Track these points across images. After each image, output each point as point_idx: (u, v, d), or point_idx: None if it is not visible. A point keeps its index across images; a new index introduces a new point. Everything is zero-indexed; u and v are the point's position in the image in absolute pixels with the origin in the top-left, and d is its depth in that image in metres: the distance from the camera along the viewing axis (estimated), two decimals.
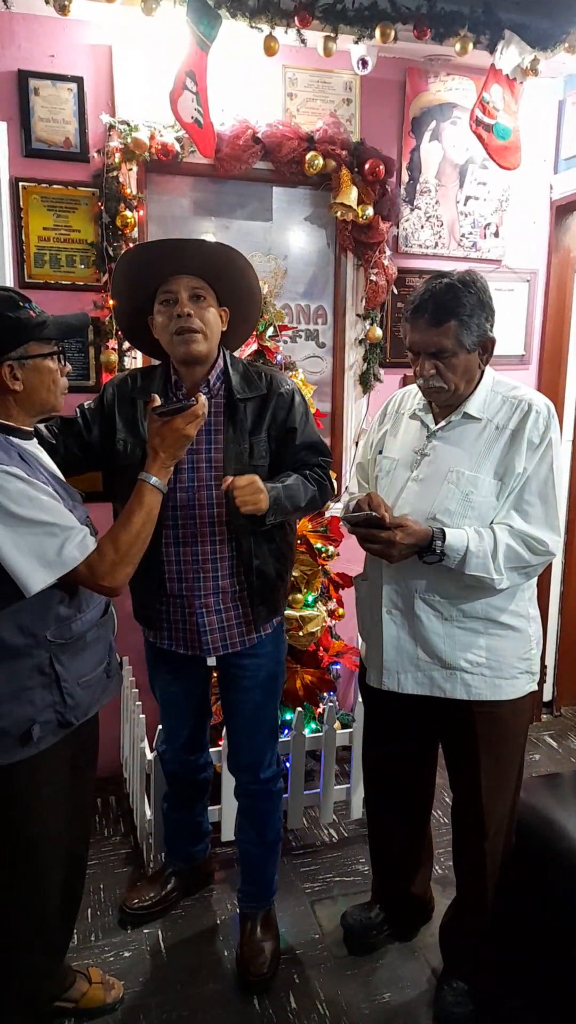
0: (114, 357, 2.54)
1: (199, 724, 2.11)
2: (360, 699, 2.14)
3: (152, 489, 1.49)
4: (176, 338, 1.69)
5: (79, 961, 1.96)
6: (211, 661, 1.88)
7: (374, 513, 1.60)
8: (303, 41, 2.47)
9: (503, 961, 1.91)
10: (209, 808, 2.30)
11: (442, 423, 1.73)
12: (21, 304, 1.41)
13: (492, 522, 1.65)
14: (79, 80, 2.44)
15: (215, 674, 2.01)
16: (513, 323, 3.12)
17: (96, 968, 1.92)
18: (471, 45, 2.57)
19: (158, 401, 1.54)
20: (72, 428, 1.81)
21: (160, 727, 2.14)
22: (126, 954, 2.05)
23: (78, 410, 1.85)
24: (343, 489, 2.87)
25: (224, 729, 2.13)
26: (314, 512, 1.78)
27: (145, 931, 2.12)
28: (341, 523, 1.84)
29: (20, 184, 2.42)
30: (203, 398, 1.53)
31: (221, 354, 1.80)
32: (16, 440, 1.44)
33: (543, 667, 1.79)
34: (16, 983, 1.56)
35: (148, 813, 2.36)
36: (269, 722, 1.98)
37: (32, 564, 1.33)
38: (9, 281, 2.45)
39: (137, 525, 1.46)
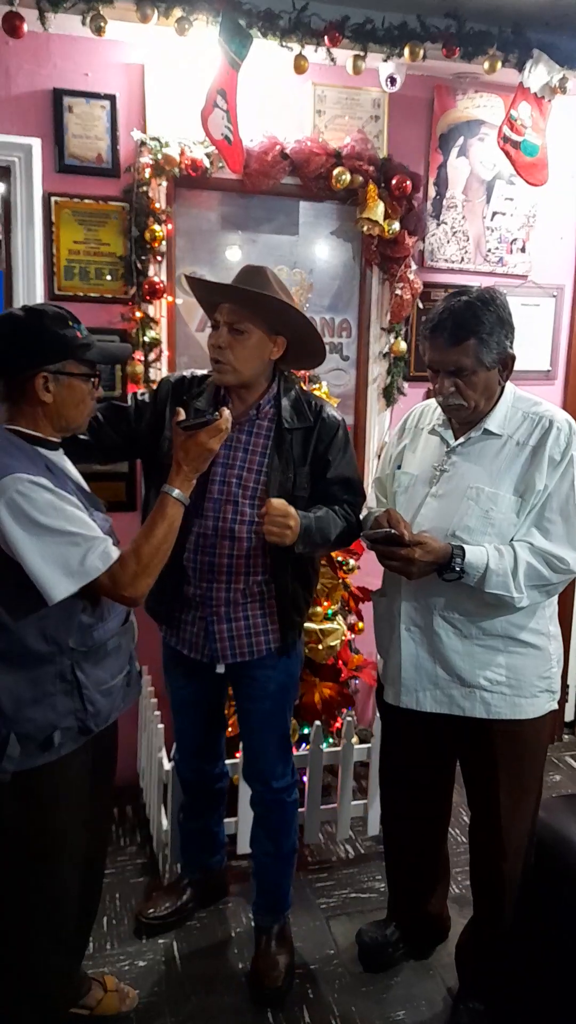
0: (140, 368, 2.57)
1: (212, 733, 2.12)
2: (378, 715, 2.13)
3: (175, 502, 1.51)
4: (212, 363, 1.76)
5: (94, 969, 1.97)
6: (220, 669, 1.88)
7: (393, 530, 1.60)
8: (332, 59, 2.50)
9: (520, 982, 1.88)
10: (225, 820, 2.31)
11: (462, 439, 1.72)
12: (70, 324, 1.46)
13: (512, 539, 1.64)
14: (112, 98, 2.49)
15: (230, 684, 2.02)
16: (539, 338, 3.11)
17: (111, 976, 1.93)
18: (500, 64, 2.59)
19: (182, 415, 1.57)
20: (121, 415, 1.84)
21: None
22: (141, 963, 2.05)
23: (131, 399, 1.88)
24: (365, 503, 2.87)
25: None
26: (342, 548, 1.80)
27: (160, 941, 2.13)
28: (361, 538, 1.84)
29: (52, 199, 2.47)
30: (227, 412, 1.55)
31: (276, 379, 1.83)
32: (43, 451, 1.47)
33: (564, 686, 1.78)
34: (33, 987, 1.57)
35: (165, 823, 2.36)
36: (280, 732, 1.99)
37: (56, 573, 1.35)
38: (39, 292, 2.50)
39: (159, 537, 1.48)
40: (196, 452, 1.52)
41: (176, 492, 1.51)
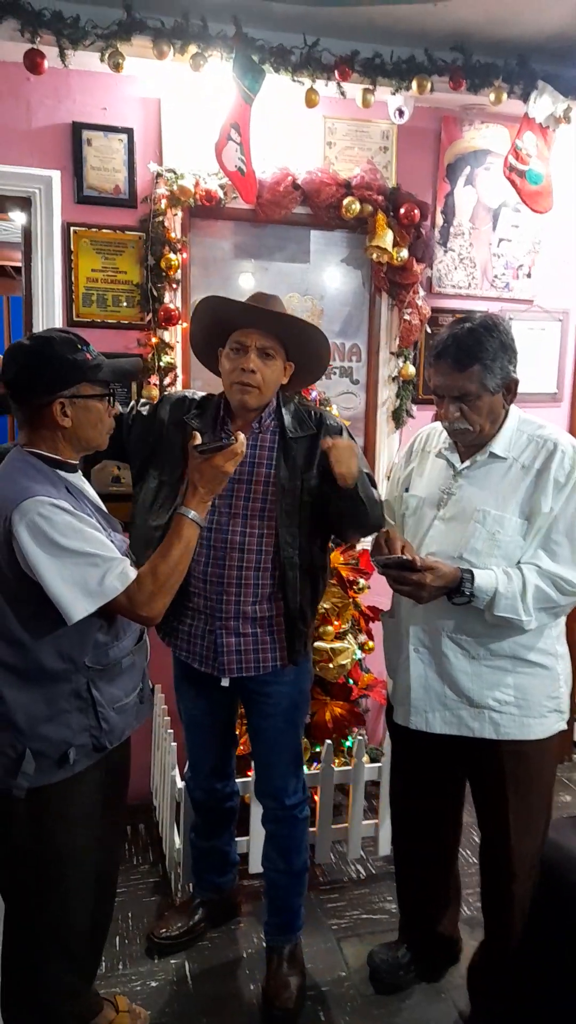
0: (156, 392, 2.63)
1: (223, 751, 2.13)
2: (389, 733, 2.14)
3: (191, 523, 1.54)
4: (235, 386, 1.79)
5: (106, 988, 1.97)
6: (224, 682, 1.90)
7: (405, 556, 1.63)
8: (343, 93, 2.58)
9: (531, 1005, 1.87)
10: (237, 839, 2.32)
11: (468, 462, 1.75)
12: (79, 347, 1.49)
13: (519, 562, 1.66)
14: (129, 131, 2.57)
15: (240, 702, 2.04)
16: (545, 361, 3.15)
17: (123, 996, 1.93)
18: (505, 95, 2.66)
19: (199, 439, 1.61)
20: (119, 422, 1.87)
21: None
22: (152, 983, 2.05)
23: (130, 409, 1.93)
24: None
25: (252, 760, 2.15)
26: (372, 526, 1.82)
27: (172, 961, 2.13)
28: (372, 562, 1.87)
29: (72, 228, 2.55)
30: (242, 437, 1.59)
31: (276, 396, 1.88)
32: (63, 473, 1.51)
33: (573, 706, 1.78)
34: (45, 1005, 1.58)
35: (177, 842, 2.37)
36: (291, 749, 2.00)
37: (75, 593, 1.39)
38: (58, 319, 2.56)
39: (175, 557, 1.51)
40: (212, 475, 1.55)
41: (192, 514, 1.54)
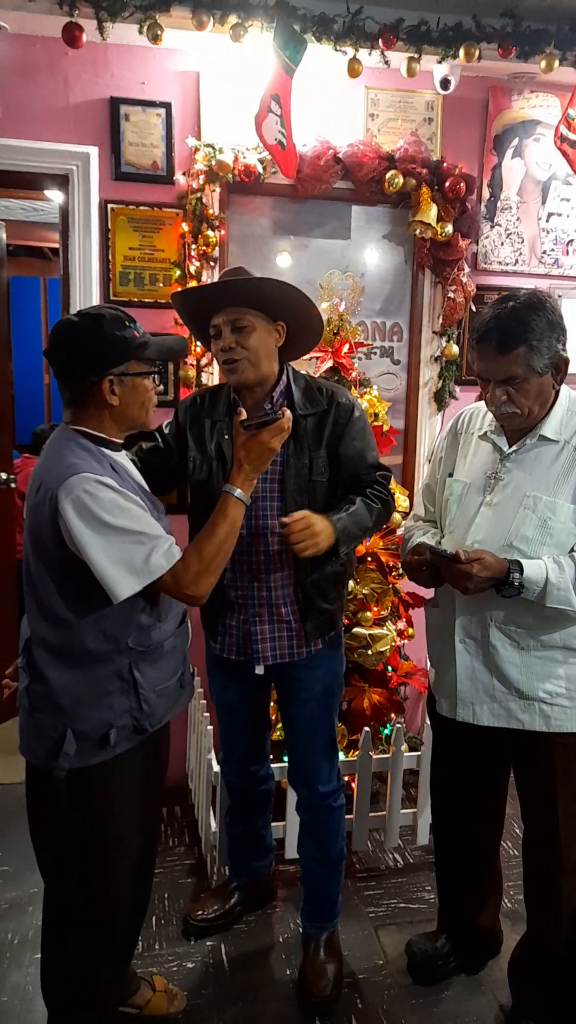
0: (192, 372, 2.60)
1: (257, 735, 2.11)
2: (428, 722, 2.10)
3: (236, 501, 1.51)
4: (224, 367, 1.77)
5: (143, 968, 1.98)
6: (259, 670, 1.88)
7: (448, 551, 1.58)
8: (387, 62, 2.50)
9: None
10: (273, 824, 2.30)
11: (516, 446, 1.68)
12: (128, 324, 1.47)
13: (573, 549, 1.59)
14: (167, 105, 2.53)
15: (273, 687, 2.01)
16: None
17: (160, 977, 1.93)
18: (556, 62, 2.55)
19: (244, 415, 1.57)
20: (158, 454, 1.89)
21: None
22: (189, 965, 2.05)
23: (158, 436, 1.91)
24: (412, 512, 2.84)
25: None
26: (380, 529, 1.80)
27: (208, 944, 2.13)
28: (403, 566, 1.81)
29: (109, 206, 2.52)
30: (288, 412, 1.55)
31: (285, 371, 1.84)
32: (108, 452, 1.48)
33: None
34: (85, 984, 1.59)
35: (213, 825, 2.37)
36: (326, 735, 1.98)
37: (120, 572, 1.37)
38: (96, 299, 2.54)
39: (221, 536, 1.49)
40: (258, 452, 1.52)
41: (238, 492, 1.52)
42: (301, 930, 2.08)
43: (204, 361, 2.61)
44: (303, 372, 1.92)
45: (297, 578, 1.83)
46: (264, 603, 1.83)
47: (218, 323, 1.75)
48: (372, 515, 1.80)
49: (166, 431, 1.92)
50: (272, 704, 2.15)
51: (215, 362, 2.61)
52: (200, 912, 2.18)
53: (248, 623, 1.85)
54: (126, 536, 1.37)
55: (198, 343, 2.54)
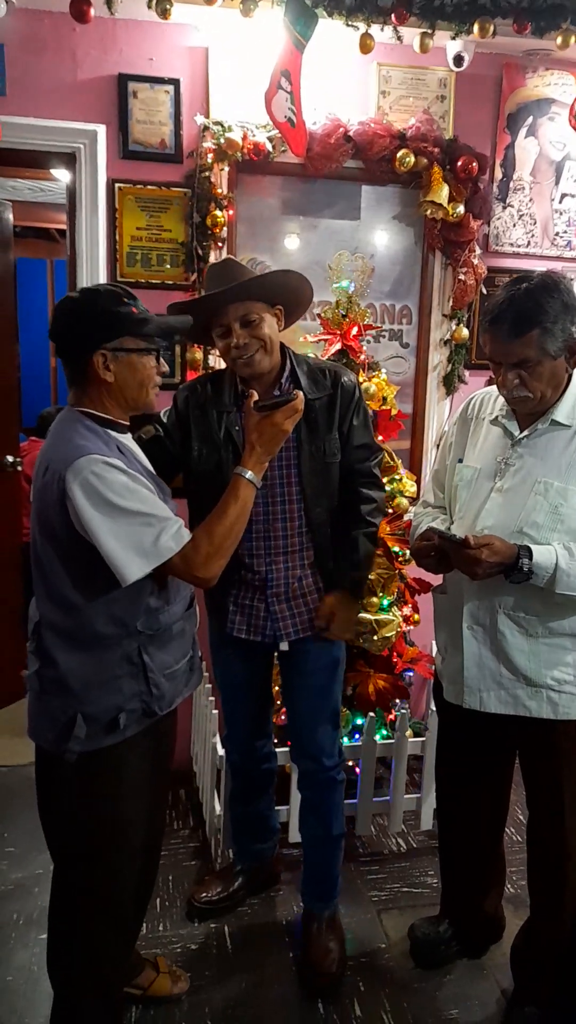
0: (199, 355, 2.57)
1: (261, 711, 2.13)
2: (433, 708, 2.09)
3: (247, 484, 1.51)
4: (237, 364, 1.77)
5: (147, 950, 1.99)
6: (283, 646, 1.92)
7: (457, 535, 1.56)
8: (399, 38, 2.44)
9: None
10: (277, 808, 2.31)
11: (527, 431, 1.65)
12: (126, 300, 1.45)
13: None
14: (176, 82, 2.48)
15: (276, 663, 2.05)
16: None
17: (164, 958, 1.95)
18: (573, 39, 2.48)
19: (256, 396, 1.56)
20: (160, 445, 1.86)
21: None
22: (193, 947, 2.07)
23: (159, 428, 1.89)
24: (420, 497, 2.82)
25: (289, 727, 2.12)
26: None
27: (212, 926, 2.14)
28: (412, 552, 1.81)
29: (116, 185, 2.48)
30: (301, 394, 1.55)
31: (287, 355, 1.84)
32: (114, 433, 1.47)
33: None
34: (90, 965, 1.59)
35: (217, 808, 2.38)
36: (332, 707, 2.00)
37: (129, 554, 1.36)
38: (102, 279, 2.51)
39: (232, 518, 1.48)
40: (271, 433, 1.51)
41: (249, 474, 1.51)
42: (303, 909, 2.09)
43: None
44: (304, 355, 1.94)
45: (316, 556, 1.89)
46: (282, 583, 1.87)
47: (226, 322, 1.74)
48: (366, 551, 1.91)
49: (164, 420, 1.90)
50: (275, 690, 2.16)
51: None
52: (204, 894, 2.19)
53: (266, 603, 1.88)
54: (135, 518, 1.36)
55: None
